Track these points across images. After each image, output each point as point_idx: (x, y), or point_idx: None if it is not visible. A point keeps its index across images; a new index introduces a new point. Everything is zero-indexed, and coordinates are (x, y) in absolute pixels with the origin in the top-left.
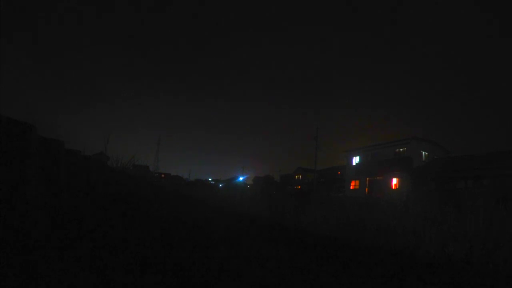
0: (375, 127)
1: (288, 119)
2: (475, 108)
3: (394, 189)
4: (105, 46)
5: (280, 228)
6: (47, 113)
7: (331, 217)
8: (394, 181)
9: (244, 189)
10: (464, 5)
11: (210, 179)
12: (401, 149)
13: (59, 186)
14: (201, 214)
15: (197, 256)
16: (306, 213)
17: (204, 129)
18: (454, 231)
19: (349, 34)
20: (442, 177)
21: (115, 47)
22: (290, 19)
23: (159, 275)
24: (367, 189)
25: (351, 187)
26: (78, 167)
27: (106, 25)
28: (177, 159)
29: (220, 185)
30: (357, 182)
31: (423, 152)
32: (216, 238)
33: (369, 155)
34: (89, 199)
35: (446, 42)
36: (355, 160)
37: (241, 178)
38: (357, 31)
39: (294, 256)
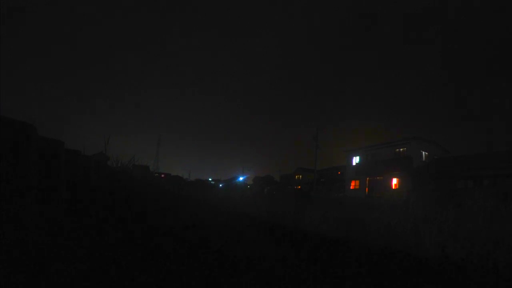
0: (375, 127)
1: (288, 119)
2: (475, 108)
3: (394, 189)
4: (106, 46)
5: (279, 228)
6: (47, 113)
7: (330, 217)
8: (394, 181)
9: (244, 190)
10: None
11: (210, 179)
12: (401, 149)
13: (59, 185)
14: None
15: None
16: (305, 214)
17: (204, 129)
18: (454, 231)
19: (350, 35)
20: (442, 177)
21: (115, 47)
22: (291, 18)
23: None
24: (367, 189)
25: (351, 187)
26: (78, 166)
27: (107, 25)
28: (177, 159)
29: (220, 185)
30: (357, 182)
31: (423, 152)
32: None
33: (369, 155)
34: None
35: (445, 41)
36: (355, 160)
37: (241, 178)
38: (358, 32)
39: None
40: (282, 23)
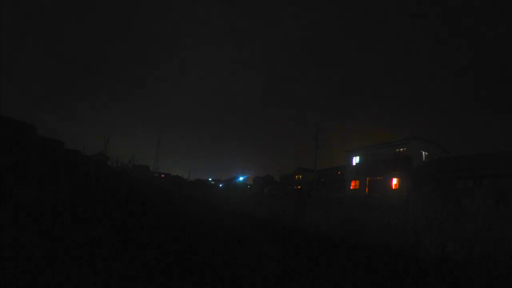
0: (375, 127)
1: (288, 119)
2: (475, 108)
3: (394, 189)
4: (106, 46)
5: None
6: (47, 113)
7: (331, 217)
8: (394, 181)
9: (244, 190)
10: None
11: (210, 179)
12: (401, 149)
13: (58, 185)
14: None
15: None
16: (305, 213)
17: (204, 129)
18: (454, 231)
19: (350, 34)
20: (442, 177)
21: (115, 46)
22: (290, 16)
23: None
24: (367, 189)
25: (351, 187)
26: (78, 167)
27: (107, 24)
28: (177, 159)
29: (220, 185)
30: (357, 182)
31: (423, 152)
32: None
33: (369, 155)
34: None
35: (445, 42)
36: (355, 160)
37: (241, 178)
38: (357, 31)
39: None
40: (282, 23)
